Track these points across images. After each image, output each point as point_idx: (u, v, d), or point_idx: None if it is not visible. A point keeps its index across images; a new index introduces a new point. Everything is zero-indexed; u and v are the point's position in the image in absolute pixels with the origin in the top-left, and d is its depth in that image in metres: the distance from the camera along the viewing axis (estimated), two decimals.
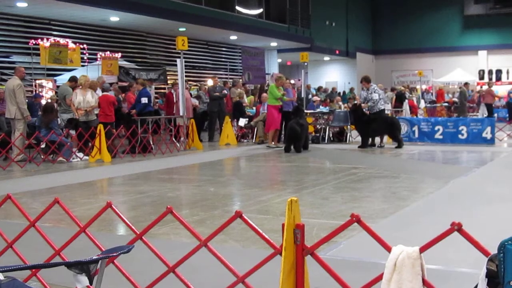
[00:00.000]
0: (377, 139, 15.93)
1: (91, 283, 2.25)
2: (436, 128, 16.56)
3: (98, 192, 9.72)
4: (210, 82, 21.49)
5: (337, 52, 38.45)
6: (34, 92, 19.53)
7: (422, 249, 2.62)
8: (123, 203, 7.90)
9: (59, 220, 6.59)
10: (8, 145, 13.03)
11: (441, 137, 16.45)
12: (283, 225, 2.81)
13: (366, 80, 15.85)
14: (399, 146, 15.23)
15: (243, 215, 3.15)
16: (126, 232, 6.10)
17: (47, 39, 20.50)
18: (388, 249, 2.71)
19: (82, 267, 2.19)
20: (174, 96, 17.95)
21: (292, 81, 29.25)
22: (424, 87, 32.82)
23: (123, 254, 2.36)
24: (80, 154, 13.76)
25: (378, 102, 15.42)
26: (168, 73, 24.93)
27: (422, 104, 27.86)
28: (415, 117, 20.75)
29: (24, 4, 19.02)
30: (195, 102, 19.64)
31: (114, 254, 2.31)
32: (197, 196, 8.53)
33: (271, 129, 16.13)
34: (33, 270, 3.84)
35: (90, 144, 13.64)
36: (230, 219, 3.27)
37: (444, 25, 41.28)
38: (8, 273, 2.67)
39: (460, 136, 16.20)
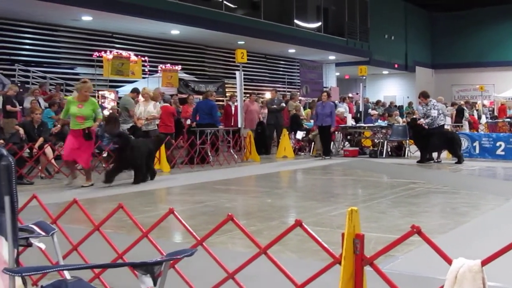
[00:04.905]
0: (435, 154, 15.66)
1: (154, 284, 2.32)
2: (498, 144, 16.16)
3: (157, 200, 9.90)
4: (268, 95, 21.60)
5: (396, 66, 38.10)
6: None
7: (484, 263, 2.58)
8: (181, 212, 7.98)
9: (119, 227, 6.74)
10: None
11: (503, 153, 16.03)
12: (342, 234, 2.83)
13: (424, 96, 15.56)
14: (459, 161, 14.94)
15: (303, 223, 3.17)
16: (183, 240, 6.20)
17: (110, 51, 21.05)
18: (449, 262, 2.69)
19: (147, 268, 2.26)
20: (233, 108, 18.13)
21: (350, 95, 29.13)
22: (485, 102, 32.10)
23: (183, 260, 2.42)
24: None
25: (437, 119, 15.17)
26: (226, 85, 25.19)
27: (483, 119, 27.28)
28: (475, 132, 20.33)
29: (89, 18, 19.60)
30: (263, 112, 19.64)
31: (178, 256, 2.37)
32: (254, 207, 8.58)
33: None
34: (97, 272, 3.96)
35: None
36: (290, 227, 3.30)
37: (506, 38, 40.19)
38: (75, 273, 2.78)
39: None
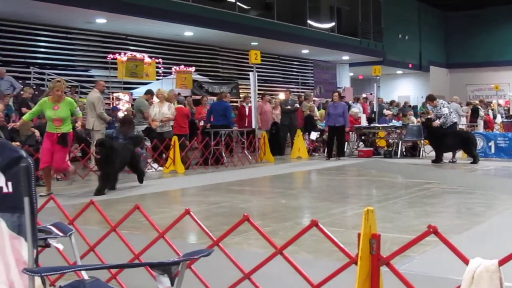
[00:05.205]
0: (449, 154, 15.59)
1: (172, 284, 2.33)
2: None
3: (172, 201, 9.94)
4: (282, 96, 21.60)
5: (410, 65, 37.95)
6: (111, 105, 20.14)
7: (501, 263, 2.58)
8: (196, 213, 7.95)
9: (135, 228, 6.76)
10: (87, 155, 13.52)
11: None
12: (359, 234, 2.83)
13: (430, 99, 15.66)
14: (474, 161, 14.85)
15: (319, 223, 3.18)
16: (198, 241, 6.23)
17: (124, 53, 21.13)
18: (466, 262, 2.68)
19: (164, 268, 2.28)
20: (246, 109, 18.15)
21: (364, 95, 29.06)
22: (500, 101, 31.90)
23: (199, 261, 2.43)
24: (155, 165, 14.11)
25: (449, 116, 15.13)
26: (240, 86, 25.22)
27: (499, 119, 27.10)
28: (491, 132, 20.19)
29: (103, 20, 19.70)
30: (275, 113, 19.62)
31: (195, 256, 2.39)
32: (268, 207, 8.59)
33: None
34: (113, 272, 3.99)
35: (164, 156, 13.96)
36: (306, 228, 3.31)
37: None
38: (92, 273, 2.81)
39: None
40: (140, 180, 11.31)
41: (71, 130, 10.24)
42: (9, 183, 2.20)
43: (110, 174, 10.47)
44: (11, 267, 2.30)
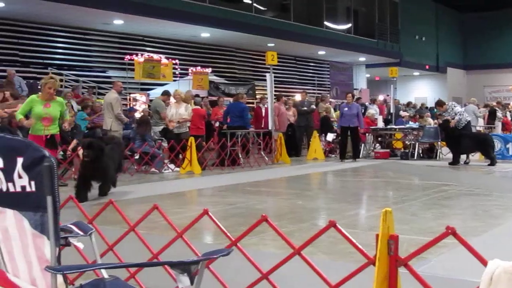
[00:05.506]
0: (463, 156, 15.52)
1: (191, 283, 2.36)
2: None
3: (188, 202, 9.99)
4: (298, 97, 21.60)
5: (427, 67, 37.76)
6: (128, 106, 20.25)
7: None
8: (212, 214, 7.97)
9: (152, 228, 6.80)
10: None
11: None
12: (377, 235, 2.83)
13: (439, 104, 15.94)
14: (492, 163, 14.76)
15: (336, 224, 3.19)
16: (215, 241, 6.26)
17: (141, 54, 21.24)
18: (484, 263, 2.68)
19: (184, 267, 2.30)
20: (263, 110, 18.16)
21: (381, 97, 28.96)
22: None
23: (217, 261, 2.45)
24: (172, 166, 14.17)
25: (463, 114, 15.19)
26: (256, 87, 25.25)
27: None
28: (508, 134, 20.05)
29: (120, 22, 19.83)
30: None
31: (214, 256, 2.41)
32: (285, 209, 8.60)
33: None
34: (132, 272, 4.03)
35: (181, 156, 14.02)
36: (323, 228, 3.32)
37: None
38: (111, 273, 2.84)
39: None
40: (102, 192, 9.74)
41: (58, 133, 9.43)
42: (32, 182, 2.24)
43: (106, 177, 9.64)
44: (34, 264, 2.34)
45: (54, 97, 9.07)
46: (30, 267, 2.35)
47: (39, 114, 8.92)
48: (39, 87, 10.70)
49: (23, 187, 2.26)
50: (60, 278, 2.28)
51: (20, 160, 2.24)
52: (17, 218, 2.34)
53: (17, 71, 17.00)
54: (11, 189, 2.30)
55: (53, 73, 19.29)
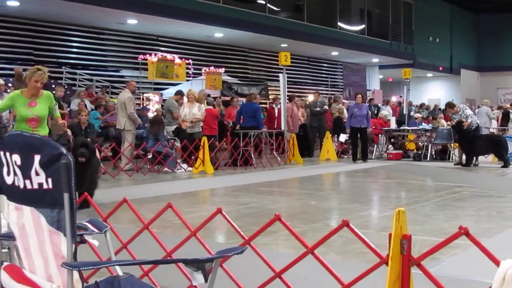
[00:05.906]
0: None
1: (205, 281, 2.38)
2: None
3: (201, 201, 10.02)
4: (310, 98, 21.59)
5: (440, 68, 37.59)
6: (141, 105, 20.34)
7: None
8: (225, 213, 8.08)
9: (165, 227, 6.83)
10: (118, 155, 13.70)
11: None
12: (389, 235, 2.84)
13: (450, 106, 15.95)
14: (505, 165, 14.68)
15: (349, 224, 3.20)
16: (227, 241, 6.28)
17: (155, 54, 21.33)
18: (497, 263, 2.68)
19: (198, 264, 2.32)
20: (276, 111, 18.18)
21: (394, 98, 28.88)
22: None
23: (230, 260, 2.47)
24: (184, 165, 14.22)
25: (474, 116, 15.23)
26: (269, 88, 25.27)
27: None
28: None
29: (134, 21, 19.92)
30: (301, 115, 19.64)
31: (229, 254, 2.43)
32: (297, 209, 8.61)
33: None
34: (146, 269, 4.06)
35: (194, 156, 14.06)
36: (337, 227, 3.33)
37: None
38: (125, 270, 2.87)
39: None
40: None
41: (48, 134, 8.29)
42: (49, 180, 2.26)
43: (93, 179, 8.93)
44: (50, 261, 2.37)
45: (41, 92, 7.65)
46: (47, 264, 2.38)
47: (23, 116, 7.56)
48: (23, 78, 8.88)
49: (40, 184, 2.28)
50: (76, 274, 2.31)
51: (37, 158, 2.26)
52: (34, 215, 2.36)
53: None
54: (28, 186, 2.32)
55: (67, 72, 19.56)
